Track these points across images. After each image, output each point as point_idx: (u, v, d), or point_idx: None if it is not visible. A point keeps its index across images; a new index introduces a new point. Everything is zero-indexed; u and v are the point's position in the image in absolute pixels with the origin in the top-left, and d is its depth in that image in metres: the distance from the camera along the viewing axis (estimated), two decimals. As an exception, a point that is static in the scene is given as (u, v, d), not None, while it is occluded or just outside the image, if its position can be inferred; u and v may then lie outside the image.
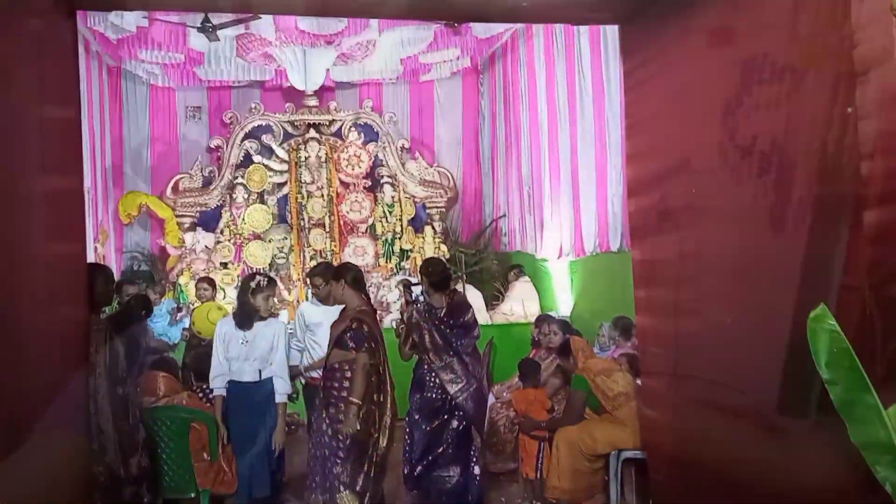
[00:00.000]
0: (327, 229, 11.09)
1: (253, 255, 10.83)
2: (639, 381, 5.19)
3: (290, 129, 11.51)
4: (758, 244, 3.42)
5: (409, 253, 11.12)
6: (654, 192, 4.46)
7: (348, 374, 4.93)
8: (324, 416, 4.99)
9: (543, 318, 7.15)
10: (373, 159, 11.34)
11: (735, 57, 3.58)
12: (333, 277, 5.18)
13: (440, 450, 5.41)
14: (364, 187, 11.28)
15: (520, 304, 9.73)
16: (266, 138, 11.30)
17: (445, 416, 5.41)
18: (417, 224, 11.39)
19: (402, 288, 5.79)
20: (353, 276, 5.10)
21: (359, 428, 4.89)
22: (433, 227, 11.29)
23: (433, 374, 5.39)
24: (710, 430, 3.87)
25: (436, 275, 5.49)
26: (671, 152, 4.26)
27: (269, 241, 10.98)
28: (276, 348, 5.25)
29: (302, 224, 11.10)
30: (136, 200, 10.79)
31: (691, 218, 4.06)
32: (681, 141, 4.14)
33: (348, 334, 4.95)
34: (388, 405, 5.09)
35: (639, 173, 4.71)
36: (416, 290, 5.48)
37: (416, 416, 5.44)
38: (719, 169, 3.72)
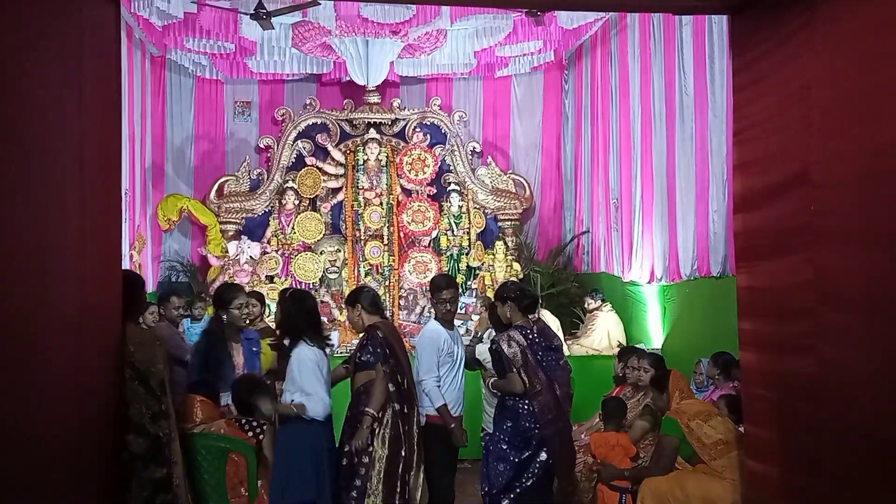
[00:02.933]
0: (385, 242, 11.20)
1: (302, 268, 11.00)
2: (741, 428, 5.08)
3: (347, 128, 11.67)
4: (893, 271, 3.31)
5: (477, 271, 11.16)
6: (766, 209, 4.36)
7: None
8: (346, 449, 5.22)
9: (630, 351, 7.06)
10: (439, 164, 11.44)
11: (872, 51, 3.48)
12: (348, 302, 5.55)
13: (524, 482, 5.57)
14: (428, 195, 11.37)
15: (603, 333, 9.66)
16: (321, 138, 11.49)
17: (534, 449, 5.56)
18: (487, 238, 11.43)
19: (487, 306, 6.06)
20: (370, 300, 5.44)
21: (371, 444, 5.12)
22: (505, 243, 11.31)
23: (526, 401, 5.56)
24: (828, 490, 3.74)
25: (526, 297, 5.77)
26: (788, 162, 4.16)
27: (321, 253, 11.14)
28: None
29: (357, 235, 11.23)
30: (176, 204, 11.08)
31: (810, 240, 3.95)
32: (800, 149, 4.04)
33: (361, 350, 5.30)
34: (415, 422, 5.32)
35: (747, 186, 4.62)
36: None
37: (504, 447, 5.60)
38: (848, 183, 3.61)
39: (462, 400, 5.70)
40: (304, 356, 5.17)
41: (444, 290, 5.69)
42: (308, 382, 5.13)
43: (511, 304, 5.72)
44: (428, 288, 6.19)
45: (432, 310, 5.95)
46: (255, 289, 9.79)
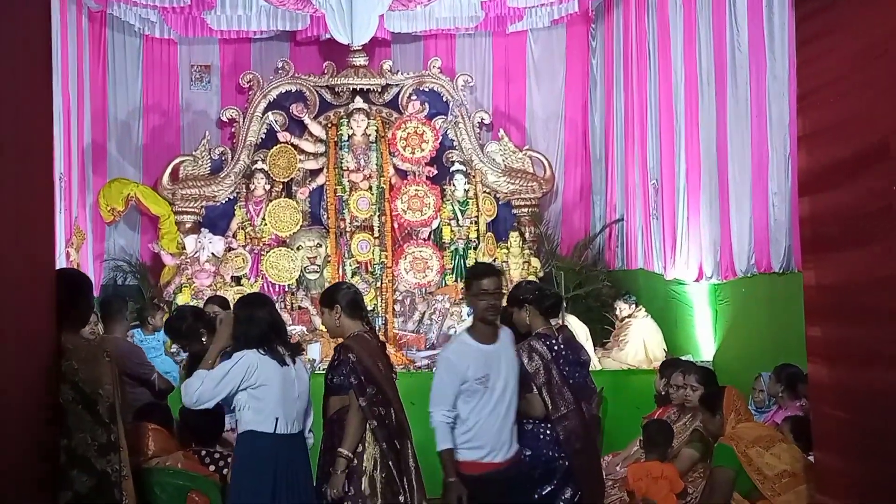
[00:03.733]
0: (376, 234, 11.21)
1: (275, 266, 11.02)
2: (810, 457, 5.07)
3: (328, 96, 11.67)
4: None
5: None
6: (839, 190, 4.34)
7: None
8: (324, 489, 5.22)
9: (675, 365, 7.05)
10: (440, 139, 11.44)
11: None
12: (324, 304, 5.49)
13: None
14: (427, 178, 11.37)
15: (638, 344, 9.67)
16: (296, 109, 11.50)
17: (558, 483, 5.53)
18: (500, 229, 11.44)
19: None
20: (349, 301, 5.38)
21: (350, 488, 5.11)
22: (521, 234, 11.33)
23: (548, 425, 5.52)
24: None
25: (547, 298, 5.74)
26: (864, 133, 4.14)
27: (298, 248, 11.16)
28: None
29: (342, 227, 11.25)
30: (122, 191, 11.07)
31: (893, 226, 3.93)
32: (881, 115, 4.01)
33: (332, 371, 5.27)
34: (411, 460, 5.30)
35: (815, 163, 4.60)
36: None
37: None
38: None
39: (510, 442, 5.23)
40: (241, 357, 5.07)
41: (483, 277, 5.15)
42: (216, 379, 5.03)
43: (530, 308, 5.65)
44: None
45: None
46: (217, 293, 9.83)
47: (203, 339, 6.08)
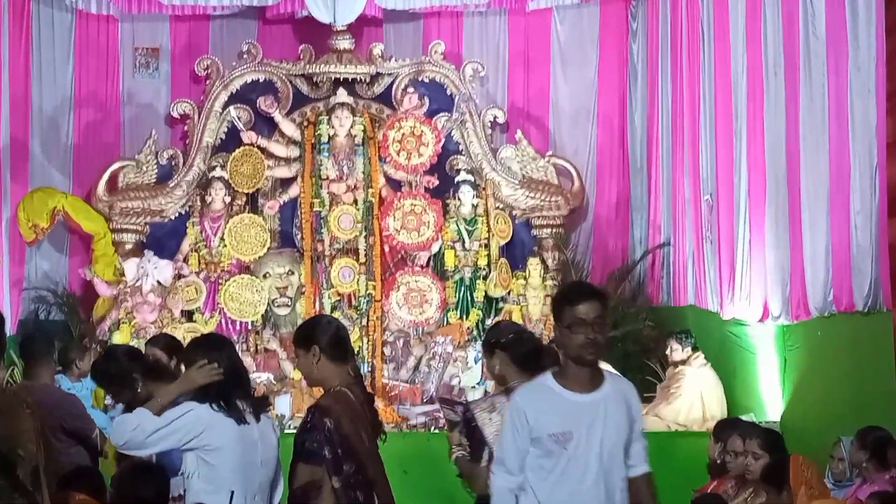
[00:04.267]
0: (362, 260, 11.20)
1: (236, 299, 10.99)
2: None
3: (305, 88, 11.68)
4: None
5: (502, 304, 11.16)
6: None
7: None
8: None
9: (733, 426, 7.02)
10: (442, 142, 11.44)
11: None
12: (299, 343, 5.27)
13: None
14: (427, 189, 11.39)
15: (693, 398, 9.67)
16: (264, 103, 11.49)
17: None
18: (516, 254, 11.45)
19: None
20: (331, 340, 5.19)
21: None
22: (543, 261, 11.31)
23: None
24: None
25: (524, 343, 5.59)
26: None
27: (265, 276, 11.16)
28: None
29: (320, 250, 11.24)
30: (47, 203, 11.04)
31: None
32: None
33: (304, 434, 5.04)
34: None
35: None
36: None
37: None
38: None
39: None
40: (188, 411, 5.05)
41: (579, 302, 4.64)
42: (152, 428, 5.03)
43: (501, 356, 5.60)
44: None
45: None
46: (164, 331, 9.77)
47: (138, 387, 6.00)
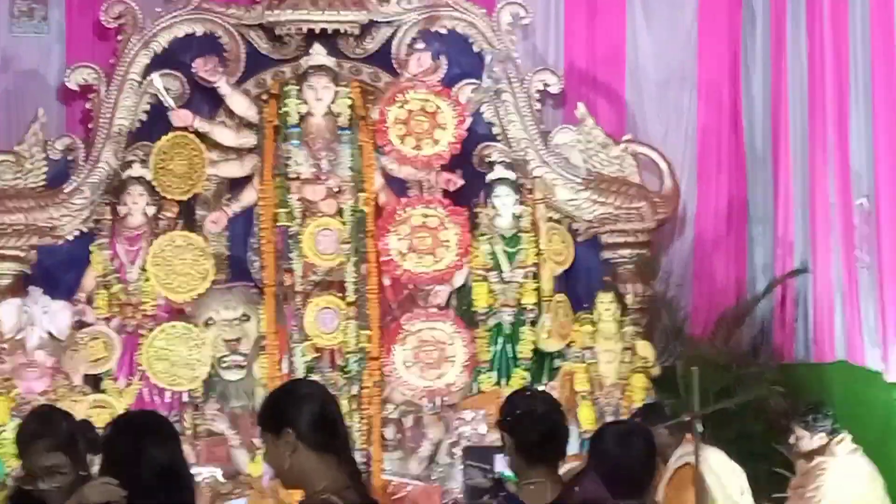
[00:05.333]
0: (351, 297, 11.36)
1: (166, 358, 11.16)
2: None
3: (263, 45, 11.92)
4: None
5: (558, 362, 11.40)
6: None
7: None
8: None
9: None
10: (468, 123, 11.64)
11: None
12: (267, 424, 5.25)
13: None
14: (446, 193, 11.63)
15: (842, 501, 9.78)
16: (204, 68, 11.62)
17: None
18: (579, 287, 11.68)
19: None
20: (313, 419, 5.20)
21: None
22: (619, 297, 11.48)
23: None
24: None
25: (536, 426, 5.86)
26: None
27: (207, 324, 11.36)
28: None
29: (288, 283, 11.39)
30: None
31: None
32: None
33: None
34: None
35: None
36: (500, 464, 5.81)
37: None
38: None
39: None
40: None
41: None
42: None
43: (508, 441, 5.90)
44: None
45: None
46: (57, 405, 9.92)
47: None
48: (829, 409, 9.91)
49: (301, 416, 5.14)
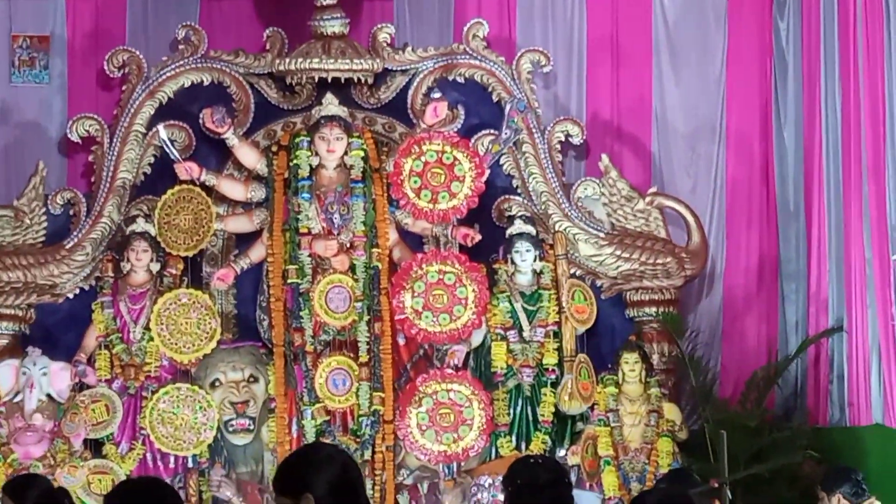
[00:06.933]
0: (367, 360, 11.21)
1: (169, 421, 10.98)
2: None
3: (273, 93, 11.79)
4: None
5: (581, 426, 11.21)
6: None
7: None
8: None
9: None
10: (487, 173, 11.48)
11: None
12: (285, 489, 5.12)
13: None
14: (463, 248, 11.43)
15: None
16: (212, 119, 11.45)
17: None
18: (602, 347, 11.51)
19: None
20: (334, 484, 5.05)
21: None
22: (644, 357, 11.30)
23: None
24: None
25: (537, 492, 5.73)
26: None
27: (213, 385, 11.19)
28: None
29: (298, 343, 11.23)
30: None
31: None
32: None
33: None
34: None
35: None
36: None
37: None
38: None
39: None
40: None
41: None
42: None
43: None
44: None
45: None
46: (57, 472, 9.79)
47: None
48: (854, 473, 9.73)
49: (321, 481, 4.98)
